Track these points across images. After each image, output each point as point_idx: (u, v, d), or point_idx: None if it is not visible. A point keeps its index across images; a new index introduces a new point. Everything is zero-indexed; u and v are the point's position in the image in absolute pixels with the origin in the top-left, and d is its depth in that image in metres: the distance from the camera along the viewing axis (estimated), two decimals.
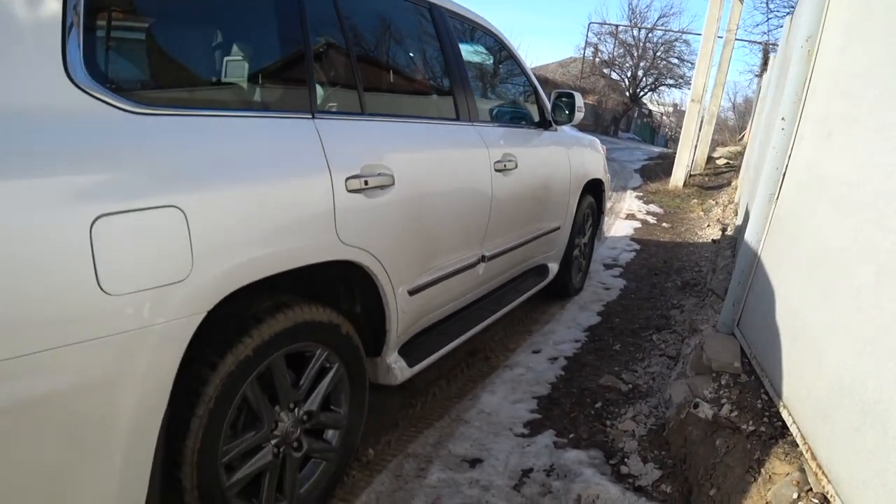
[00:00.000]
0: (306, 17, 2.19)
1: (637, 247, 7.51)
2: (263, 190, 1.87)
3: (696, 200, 11.65)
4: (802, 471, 2.03)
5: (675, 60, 33.92)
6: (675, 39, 32.94)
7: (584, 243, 5.26)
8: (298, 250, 1.98)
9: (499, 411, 3.20)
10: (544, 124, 4.10)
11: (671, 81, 35.30)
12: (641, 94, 36.09)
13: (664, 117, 48.03)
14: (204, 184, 1.69)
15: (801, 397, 2.15)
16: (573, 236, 4.80)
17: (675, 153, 13.41)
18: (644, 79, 34.89)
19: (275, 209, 1.89)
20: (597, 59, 34.44)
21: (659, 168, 16.22)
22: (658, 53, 33.75)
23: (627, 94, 35.54)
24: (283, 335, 1.97)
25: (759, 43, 18.62)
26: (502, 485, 2.56)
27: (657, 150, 24.49)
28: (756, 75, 18.35)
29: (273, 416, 2.05)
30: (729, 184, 13.04)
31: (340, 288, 2.46)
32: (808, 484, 1.96)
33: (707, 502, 2.24)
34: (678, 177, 12.77)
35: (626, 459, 2.75)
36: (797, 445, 2.16)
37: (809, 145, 2.50)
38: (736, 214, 7.50)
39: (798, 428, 2.11)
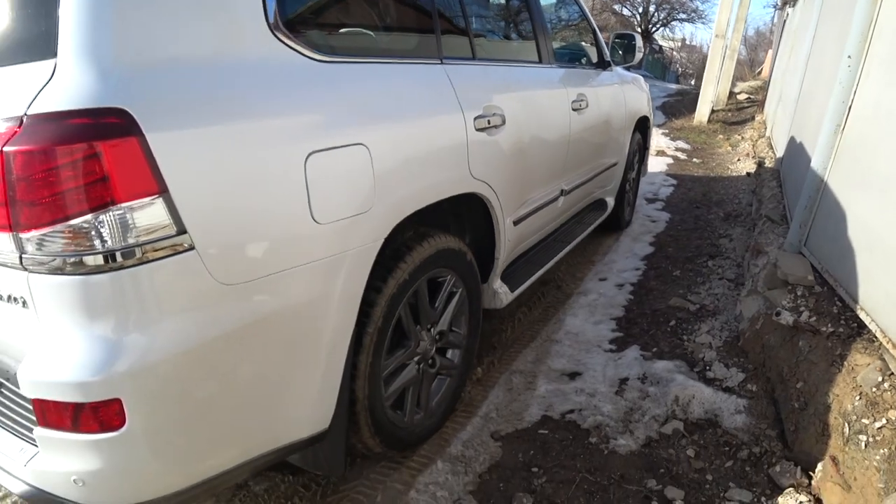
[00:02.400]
0: None
1: (674, 182, 7.75)
2: (420, 128, 2.16)
3: (721, 136, 11.81)
4: (883, 360, 2.32)
5: None
6: None
7: (633, 178, 5.51)
8: (445, 183, 2.26)
9: (584, 331, 3.52)
10: (603, 64, 4.32)
11: (683, 15, 34.80)
12: (653, 29, 35.62)
13: (674, 53, 47.42)
14: (379, 123, 1.96)
15: (878, 299, 2.43)
16: (626, 171, 5.05)
17: (692, 89, 13.45)
18: (656, 13, 34.41)
19: (428, 145, 2.18)
20: None
21: (680, 105, 16.29)
22: None
23: (639, 30, 35.12)
24: (429, 261, 2.26)
25: None
26: (605, 391, 2.88)
27: (673, 86, 24.39)
28: (777, 8, 18.17)
29: (417, 336, 2.35)
30: (752, 119, 13.16)
31: (452, 220, 2.73)
32: (890, 369, 2.26)
33: (794, 394, 2.55)
34: (703, 112, 12.89)
35: (709, 367, 3.06)
36: (874, 341, 2.45)
37: (877, 81, 2.73)
38: (771, 148, 7.67)
39: (877, 325, 2.40)
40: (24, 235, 1.32)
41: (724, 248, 5.04)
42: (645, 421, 2.65)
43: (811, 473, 2.25)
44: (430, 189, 2.20)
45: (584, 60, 4.20)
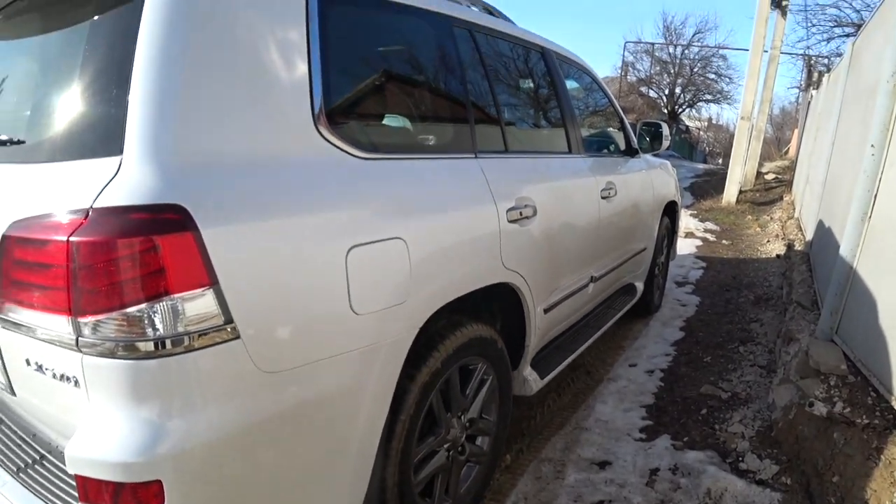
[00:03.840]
0: (466, 71, 2.56)
1: (703, 264, 7.74)
2: (454, 221, 2.25)
3: (750, 216, 11.81)
4: None
5: (713, 76, 33.93)
6: (712, 55, 32.96)
7: (662, 262, 5.53)
8: (477, 274, 2.33)
9: (613, 419, 3.49)
10: (630, 152, 4.41)
11: (709, 97, 35.28)
12: (679, 110, 36.11)
13: (701, 132, 47.85)
14: (416, 218, 2.06)
15: None
16: (655, 256, 5.08)
17: (721, 169, 13.48)
18: (682, 95, 34.94)
19: (462, 237, 2.26)
20: (634, 78, 34.60)
21: (708, 185, 16.37)
22: (695, 69, 33.80)
23: (665, 111, 35.61)
24: (461, 349, 2.30)
25: (801, 55, 18.64)
26: (635, 482, 2.85)
27: (701, 166, 24.52)
28: (801, 89, 18.40)
29: (448, 423, 2.36)
30: (780, 199, 13.16)
31: (483, 308, 2.78)
32: None
33: (830, 489, 2.50)
34: (731, 193, 12.94)
35: (742, 458, 3.01)
36: None
37: None
38: (800, 230, 7.66)
39: None
40: (82, 320, 1.40)
41: (756, 334, 5.00)
42: None
43: None
44: (464, 280, 2.26)
45: (611, 148, 4.29)
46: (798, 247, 6.77)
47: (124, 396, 1.42)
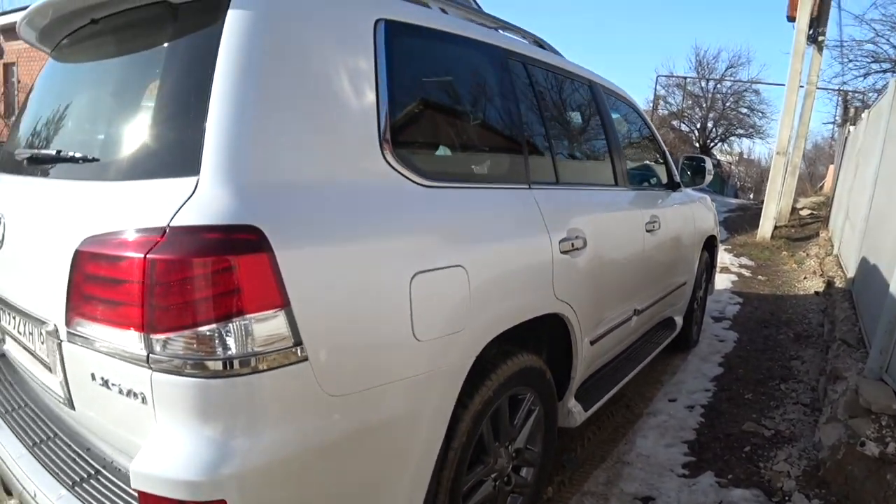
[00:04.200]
0: (520, 102, 2.61)
1: (740, 300, 7.66)
2: (510, 250, 2.28)
3: (786, 252, 11.67)
4: None
5: (745, 110, 33.79)
6: (745, 89, 32.84)
7: (700, 296, 5.49)
8: (532, 304, 2.35)
9: (655, 454, 3.46)
10: (672, 185, 4.42)
11: (741, 131, 35.11)
12: (711, 144, 35.95)
13: (732, 167, 47.56)
14: (476, 246, 2.10)
15: None
16: (695, 290, 5.05)
17: (753, 204, 13.31)
18: (714, 129, 34.82)
19: (518, 267, 2.30)
20: (665, 111, 34.54)
21: (741, 220, 16.25)
22: (727, 104, 33.69)
23: (697, 145, 35.46)
24: (512, 379, 2.31)
25: (837, 91, 18.52)
26: None
27: (734, 201, 24.38)
28: (837, 124, 18.26)
29: (496, 453, 2.36)
30: (816, 235, 13.00)
31: (532, 338, 2.78)
32: None
33: None
34: (766, 229, 12.81)
35: (788, 497, 2.97)
36: None
37: None
38: (840, 266, 7.56)
39: None
40: (154, 336, 1.43)
41: (797, 371, 4.93)
42: None
43: None
44: (519, 309, 2.28)
45: (654, 181, 4.30)
46: (839, 283, 6.68)
47: (192, 414, 1.44)
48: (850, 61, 14.18)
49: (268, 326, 1.46)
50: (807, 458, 3.34)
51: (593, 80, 3.46)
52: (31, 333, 1.91)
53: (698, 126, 34.96)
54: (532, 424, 2.58)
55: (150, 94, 1.78)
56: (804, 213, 16.56)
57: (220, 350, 1.43)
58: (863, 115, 10.14)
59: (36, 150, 2.18)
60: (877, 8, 19.27)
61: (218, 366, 1.43)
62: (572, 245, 2.56)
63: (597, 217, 2.96)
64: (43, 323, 1.77)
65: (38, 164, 2.12)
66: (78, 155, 1.91)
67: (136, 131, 1.79)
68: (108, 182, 1.73)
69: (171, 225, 1.43)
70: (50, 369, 1.80)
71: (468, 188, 2.22)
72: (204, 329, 1.41)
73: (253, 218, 1.47)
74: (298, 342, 1.51)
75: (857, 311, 4.85)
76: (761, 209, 13.46)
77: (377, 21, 1.96)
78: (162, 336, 1.43)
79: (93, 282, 1.56)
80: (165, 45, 1.80)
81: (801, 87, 12.62)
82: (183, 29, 1.75)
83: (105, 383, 1.57)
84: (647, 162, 4.48)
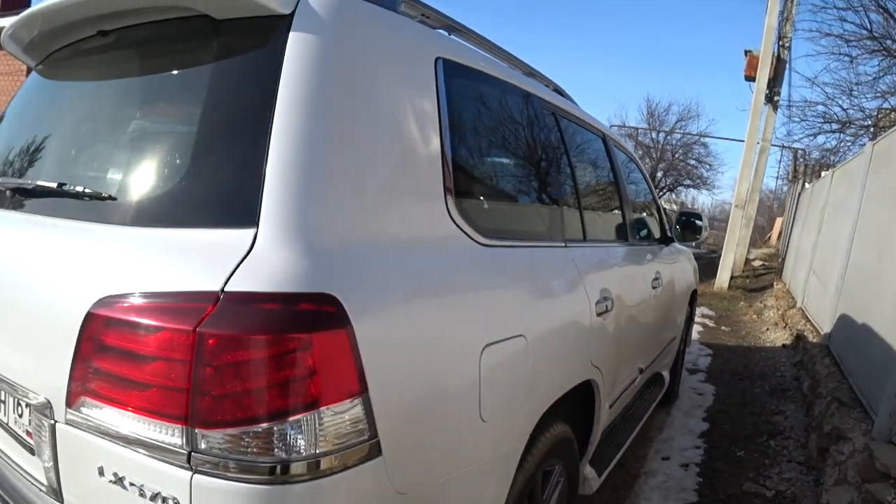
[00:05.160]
0: (556, 154, 2.53)
1: (710, 351, 7.70)
2: (560, 315, 2.14)
3: (743, 303, 11.89)
4: None
5: (694, 161, 34.75)
6: (694, 142, 33.84)
7: (682, 350, 5.48)
8: (574, 372, 2.24)
9: None
10: (666, 240, 4.40)
11: (689, 182, 36.02)
12: (661, 194, 36.75)
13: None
14: (532, 311, 1.96)
15: None
16: (680, 344, 5.03)
17: (705, 253, 13.62)
18: (663, 179, 35.63)
19: (566, 333, 2.16)
20: None
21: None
22: (677, 155, 34.59)
23: None
24: (549, 452, 2.17)
25: (788, 148, 19.28)
26: None
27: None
28: (787, 180, 19.07)
29: None
30: (771, 286, 13.30)
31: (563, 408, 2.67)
32: None
33: None
34: (723, 279, 13.07)
35: None
36: None
37: None
38: (807, 320, 7.68)
39: None
40: (201, 431, 1.15)
41: (782, 427, 4.93)
42: None
43: None
44: (564, 378, 2.17)
45: (651, 235, 4.28)
46: (811, 338, 6.76)
47: None
48: (803, 120, 14.77)
49: (344, 419, 1.22)
50: None
51: (604, 130, 3.43)
52: (2, 402, 1.58)
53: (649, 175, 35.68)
54: (557, 496, 2.45)
55: (187, 121, 1.52)
56: (756, 263, 16.99)
57: (284, 448, 1.16)
58: (823, 174, 10.47)
59: (24, 181, 1.74)
60: (828, 72, 20.36)
61: (280, 469, 1.16)
62: (606, 307, 2.48)
63: (619, 276, 2.89)
64: (26, 394, 1.45)
65: (28, 198, 1.71)
66: (88, 191, 1.52)
67: (169, 166, 1.47)
68: (131, 227, 1.39)
69: (226, 290, 1.16)
70: (31, 451, 1.47)
71: (518, 247, 2.05)
72: (268, 423, 1.15)
73: (328, 284, 1.22)
74: (374, 435, 1.27)
75: (843, 369, 4.87)
76: (711, 258, 13.75)
77: (437, 59, 1.77)
78: (212, 431, 1.15)
79: (112, 355, 1.25)
80: (205, 65, 1.53)
81: (758, 143, 13.00)
82: (228, 49, 1.50)
83: (119, 481, 1.25)
84: (645, 215, 4.47)
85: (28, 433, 1.47)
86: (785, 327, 8.59)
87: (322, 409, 1.18)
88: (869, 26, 13.90)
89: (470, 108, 1.97)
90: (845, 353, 4.99)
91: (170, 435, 1.18)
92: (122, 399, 1.23)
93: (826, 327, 6.09)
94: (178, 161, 1.44)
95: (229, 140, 1.38)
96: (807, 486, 3.75)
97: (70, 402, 1.31)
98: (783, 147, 19.11)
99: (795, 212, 13.83)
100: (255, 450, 1.16)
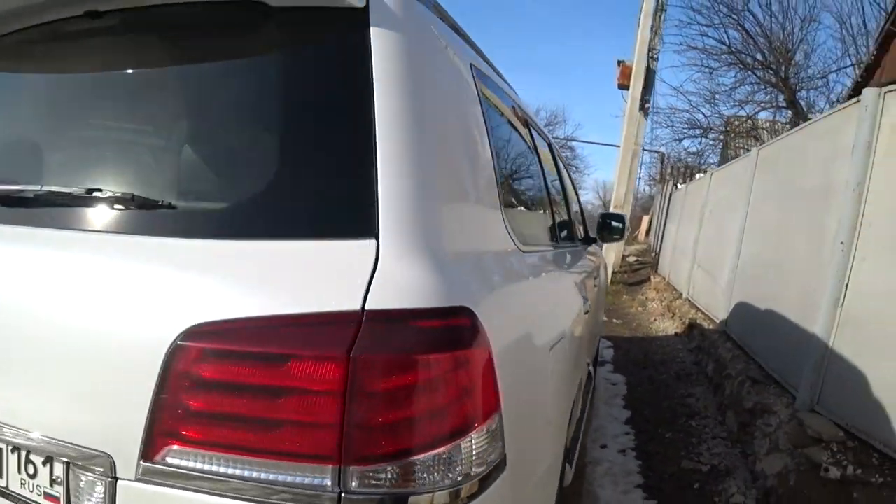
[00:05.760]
0: (538, 159, 2.67)
1: (609, 343, 8.19)
2: (578, 316, 2.31)
3: (626, 296, 12.65)
4: None
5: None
6: (561, 146, 35.28)
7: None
8: (582, 368, 2.47)
9: (622, 502, 3.67)
10: (589, 240, 4.67)
11: None
12: None
13: None
14: (567, 313, 2.11)
15: None
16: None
17: None
18: None
19: (580, 334, 2.33)
20: None
21: None
22: None
23: None
24: None
25: (656, 152, 20.80)
26: None
27: None
28: (656, 181, 20.67)
29: None
30: (648, 279, 14.20)
31: None
32: None
33: None
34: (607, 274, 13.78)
35: None
36: None
37: (881, 264, 3.30)
38: (698, 310, 8.33)
39: None
40: (354, 469, 1.02)
41: (696, 408, 5.38)
42: None
43: None
44: (580, 375, 2.33)
45: (581, 233, 4.54)
46: (707, 325, 7.36)
47: None
48: (668, 126, 16.43)
49: (487, 438, 1.13)
50: (755, 489, 3.69)
51: (549, 138, 3.67)
52: (21, 469, 1.25)
53: None
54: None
55: (265, 121, 1.38)
56: (631, 259, 18.03)
57: (438, 477, 1.06)
58: (699, 175, 11.38)
59: (26, 187, 1.38)
60: (692, 82, 22.79)
61: (425, 500, 1.06)
62: (587, 309, 2.72)
63: (583, 276, 3.14)
64: (60, 450, 1.18)
65: (35, 207, 1.36)
66: (149, 198, 1.27)
67: (250, 172, 1.30)
68: (212, 240, 1.19)
69: (367, 308, 1.03)
70: None
71: (539, 251, 2.10)
72: (424, 456, 1.04)
73: (465, 298, 1.14)
74: (503, 454, 1.19)
75: (748, 351, 5.40)
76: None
77: (470, 65, 1.69)
78: (367, 467, 1.02)
79: (220, 392, 1.07)
80: (267, 58, 1.39)
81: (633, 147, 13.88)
82: (292, 41, 1.36)
83: None
84: (577, 217, 4.76)
85: (50, 497, 1.21)
86: (673, 317, 9.25)
87: (478, 428, 1.11)
88: (728, 42, 15.71)
89: (493, 117, 1.90)
90: (748, 336, 5.53)
91: (311, 477, 1.03)
92: (238, 443, 1.06)
93: (721, 315, 6.69)
94: (266, 166, 1.29)
95: (329, 143, 1.25)
96: (736, 458, 4.17)
97: (149, 453, 1.09)
98: (650, 151, 20.66)
99: (668, 210, 14.85)
100: (404, 481, 1.04)
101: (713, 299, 7.36)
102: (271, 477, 1.04)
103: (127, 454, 1.11)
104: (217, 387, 1.07)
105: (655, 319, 9.81)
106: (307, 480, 1.03)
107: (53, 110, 1.59)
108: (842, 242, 3.52)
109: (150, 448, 1.09)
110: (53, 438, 1.17)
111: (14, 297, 1.23)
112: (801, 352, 3.89)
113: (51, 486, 1.20)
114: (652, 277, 14.11)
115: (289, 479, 1.03)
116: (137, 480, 1.10)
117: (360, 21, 1.28)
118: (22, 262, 1.26)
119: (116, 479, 1.12)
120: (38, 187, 1.35)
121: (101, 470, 1.13)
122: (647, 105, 12.87)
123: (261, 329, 1.05)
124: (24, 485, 1.23)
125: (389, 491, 1.03)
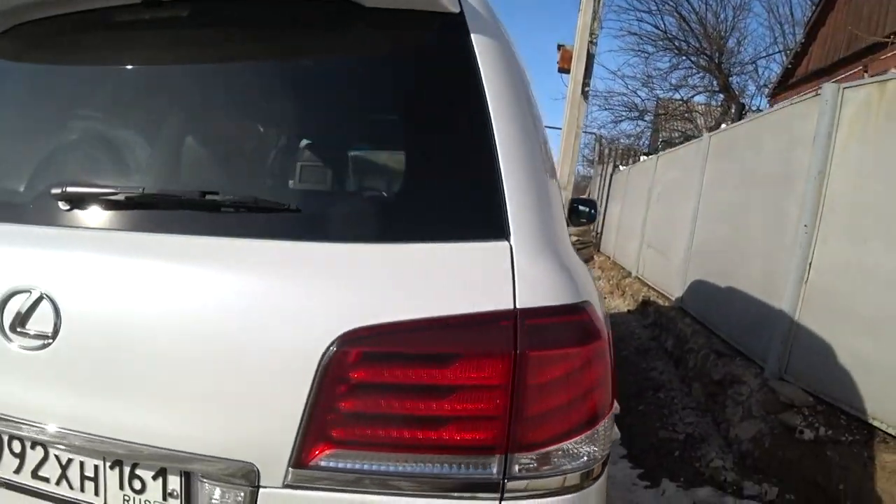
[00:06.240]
0: None
1: None
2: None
3: None
4: None
5: None
6: None
7: None
8: None
9: (613, 474, 3.95)
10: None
11: None
12: None
13: None
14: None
15: (890, 410, 3.15)
16: None
17: None
18: None
19: None
20: None
21: None
22: None
23: None
24: None
25: (593, 133, 21.36)
26: None
27: None
28: (592, 163, 21.34)
29: None
30: (591, 258, 14.65)
31: None
32: None
33: (840, 495, 3.15)
34: None
35: (740, 487, 3.60)
36: (888, 441, 3.14)
37: (842, 245, 3.66)
38: (650, 288, 8.73)
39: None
40: (517, 456, 1.11)
41: (661, 381, 5.72)
42: None
43: None
44: None
45: None
46: (662, 302, 7.74)
47: None
48: (607, 109, 17.00)
49: (612, 420, 1.24)
50: (731, 453, 4.03)
51: None
52: (124, 485, 1.25)
53: None
54: None
55: (380, 124, 1.46)
56: (573, 240, 18.47)
57: (581, 459, 1.15)
58: (643, 158, 11.83)
59: (166, 191, 1.35)
60: (629, 66, 23.52)
61: (575, 479, 1.16)
62: None
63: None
64: (184, 463, 1.19)
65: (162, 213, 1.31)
66: (264, 198, 1.28)
67: (384, 176, 1.44)
68: (355, 244, 1.20)
69: (518, 307, 1.10)
70: None
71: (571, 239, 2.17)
72: (580, 434, 1.14)
73: (585, 292, 1.22)
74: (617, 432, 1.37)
75: (708, 326, 5.77)
76: None
77: None
78: (528, 454, 1.11)
79: (380, 394, 1.12)
80: (371, 57, 1.42)
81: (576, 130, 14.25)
82: (391, 41, 1.40)
83: None
84: None
85: None
86: (623, 295, 9.65)
87: (609, 413, 1.21)
88: (664, 27, 16.41)
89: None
90: (708, 312, 5.90)
91: (476, 467, 1.11)
92: (398, 441, 1.12)
93: (676, 292, 7.08)
94: (402, 172, 1.37)
95: (455, 148, 1.30)
96: (708, 426, 4.52)
97: (301, 459, 1.13)
98: (588, 133, 21.30)
99: (609, 191, 15.32)
100: (561, 462, 1.14)
101: (666, 278, 7.74)
102: (433, 470, 1.11)
103: (274, 462, 1.14)
104: (377, 388, 1.12)
105: (605, 297, 10.18)
106: (471, 471, 1.11)
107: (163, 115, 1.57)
108: (805, 225, 3.86)
109: (302, 454, 1.12)
110: (179, 451, 1.17)
111: (147, 309, 1.19)
112: (768, 325, 4.24)
113: (164, 499, 1.22)
114: (595, 257, 14.55)
115: (451, 470, 1.11)
116: (285, 487, 1.14)
117: (459, 25, 1.33)
118: (159, 273, 1.21)
119: (259, 487, 1.15)
120: (178, 192, 1.31)
121: (242, 480, 1.15)
122: (587, 88, 13.22)
123: (422, 331, 1.10)
124: (127, 501, 1.24)
125: (543, 474, 1.12)
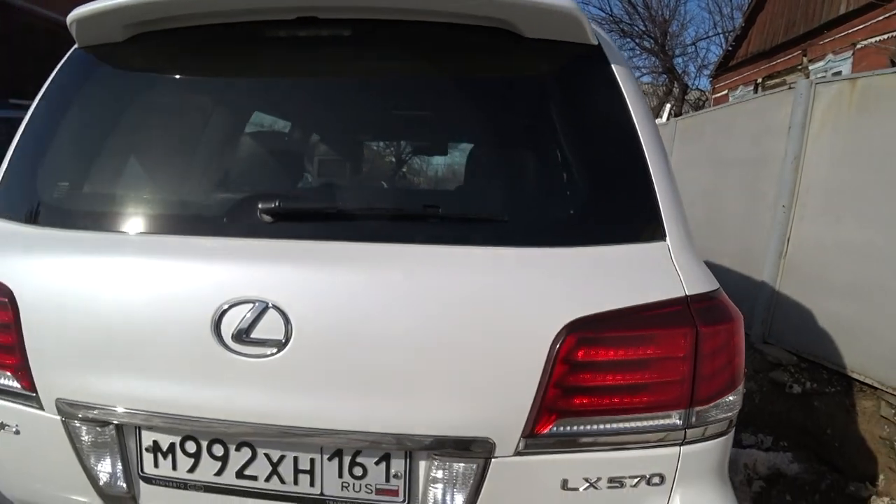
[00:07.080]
0: None
1: None
2: None
3: None
4: (883, 400, 3.52)
5: None
6: None
7: None
8: None
9: None
10: None
11: None
12: None
13: None
14: None
15: (866, 363, 3.67)
16: None
17: None
18: None
19: None
20: None
21: None
22: None
23: None
24: None
25: None
26: None
27: None
28: None
29: None
30: None
31: None
32: (892, 405, 3.45)
33: (828, 439, 3.65)
34: None
35: (738, 439, 4.07)
36: (865, 391, 3.67)
37: (818, 223, 4.16)
38: None
39: (873, 379, 3.62)
40: (695, 410, 1.39)
41: None
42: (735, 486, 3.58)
43: (876, 484, 3.31)
44: None
45: None
46: None
47: (714, 473, 1.49)
48: None
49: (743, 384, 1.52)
50: None
51: None
52: (344, 473, 1.45)
53: None
54: None
55: (550, 143, 1.64)
56: None
57: (732, 408, 1.46)
58: None
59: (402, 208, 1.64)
60: None
61: (725, 424, 1.47)
62: None
63: None
64: (417, 443, 1.39)
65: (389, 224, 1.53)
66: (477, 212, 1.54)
67: (572, 190, 1.59)
68: (560, 248, 1.44)
69: (688, 294, 1.37)
70: None
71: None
72: (734, 392, 1.45)
73: (716, 282, 1.48)
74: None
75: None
76: None
77: None
78: (702, 407, 1.40)
79: (596, 370, 1.38)
80: (530, 80, 1.66)
81: None
82: (547, 67, 1.62)
83: (592, 484, 1.41)
84: None
85: (385, 492, 1.44)
86: None
87: (743, 380, 1.50)
88: (609, 10, 16.85)
89: None
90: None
91: (665, 420, 1.39)
92: (611, 406, 1.39)
93: None
94: (576, 187, 1.58)
95: (613, 161, 1.55)
96: None
97: (533, 430, 1.37)
98: None
99: None
100: (720, 413, 1.43)
101: None
102: (634, 425, 1.39)
103: (509, 434, 1.37)
104: (594, 365, 1.37)
105: None
106: (661, 422, 1.39)
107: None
108: (783, 206, 4.35)
109: (535, 424, 1.37)
110: (415, 434, 1.37)
111: (383, 313, 1.37)
112: (750, 295, 4.73)
113: (387, 481, 1.43)
114: None
115: (647, 423, 1.39)
116: (516, 454, 1.39)
117: (600, 54, 1.57)
118: (390, 279, 1.40)
119: (491, 458, 1.39)
120: (402, 206, 1.59)
121: (478, 452, 1.38)
122: None
123: (629, 316, 1.36)
124: (346, 487, 1.44)
125: (708, 421, 1.42)
